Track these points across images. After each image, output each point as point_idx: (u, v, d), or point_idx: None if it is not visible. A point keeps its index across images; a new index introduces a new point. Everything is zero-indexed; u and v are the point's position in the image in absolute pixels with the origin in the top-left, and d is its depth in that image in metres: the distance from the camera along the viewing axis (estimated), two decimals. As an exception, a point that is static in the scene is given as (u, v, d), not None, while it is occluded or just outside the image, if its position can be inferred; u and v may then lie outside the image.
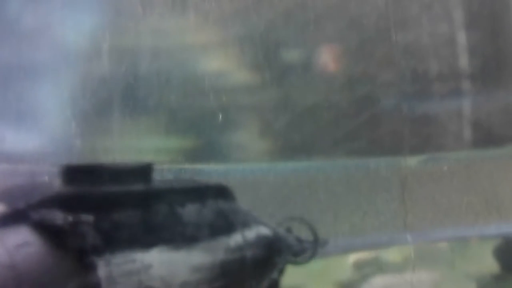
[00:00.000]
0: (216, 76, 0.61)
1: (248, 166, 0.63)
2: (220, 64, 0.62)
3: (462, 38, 0.72)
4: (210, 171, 0.60)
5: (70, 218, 0.37)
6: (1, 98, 0.51)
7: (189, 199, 0.42)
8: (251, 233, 0.44)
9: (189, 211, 0.41)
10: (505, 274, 0.74)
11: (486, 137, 0.75)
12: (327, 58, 0.68)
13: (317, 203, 0.65)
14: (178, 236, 0.39)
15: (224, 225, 0.43)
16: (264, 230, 0.46)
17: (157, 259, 0.38)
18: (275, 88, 0.64)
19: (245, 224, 0.44)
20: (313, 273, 0.67)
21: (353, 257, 0.68)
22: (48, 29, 0.56)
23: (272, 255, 0.46)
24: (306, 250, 0.53)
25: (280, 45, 0.64)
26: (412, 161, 0.69)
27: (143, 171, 0.43)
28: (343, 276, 0.68)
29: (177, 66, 0.60)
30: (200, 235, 0.40)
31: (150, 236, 0.39)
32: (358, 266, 0.68)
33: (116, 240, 0.37)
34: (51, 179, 0.42)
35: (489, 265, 0.74)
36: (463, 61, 0.73)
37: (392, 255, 0.69)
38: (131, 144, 0.58)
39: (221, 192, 0.46)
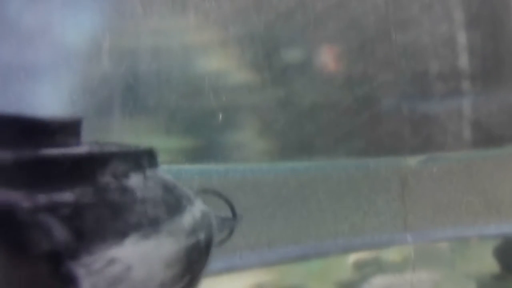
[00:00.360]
0: (216, 76, 0.61)
1: (248, 166, 0.63)
2: (220, 64, 0.62)
3: (462, 38, 0.72)
4: (210, 171, 0.60)
5: (23, 202, 0.23)
6: (1, 98, 0.51)
7: (129, 168, 0.30)
8: (196, 210, 0.33)
9: (136, 183, 0.30)
10: (505, 274, 0.74)
11: (486, 137, 0.75)
12: (327, 58, 0.68)
13: (317, 203, 0.65)
14: (142, 218, 0.28)
15: (173, 200, 0.32)
16: (203, 206, 0.35)
17: (134, 256, 0.27)
18: (275, 88, 0.64)
19: (188, 199, 0.33)
20: (313, 273, 0.67)
21: (353, 257, 0.68)
22: (48, 29, 0.56)
23: (213, 235, 0.35)
24: (225, 227, 0.43)
25: (280, 45, 0.64)
26: (412, 161, 0.69)
27: (73, 128, 0.30)
28: (343, 276, 0.68)
29: (177, 66, 0.60)
30: (160, 215, 0.30)
31: (114, 220, 0.27)
32: (358, 266, 0.68)
33: (83, 230, 0.25)
34: None
35: (489, 265, 0.74)
36: (463, 61, 0.73)
37: (392, 255, 0.69)
38: (131, 144, 0.58)
39: (153, 158, 0.33)
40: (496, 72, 0.76)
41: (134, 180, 0.30)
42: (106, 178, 0.28)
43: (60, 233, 0.24)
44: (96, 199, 0.27)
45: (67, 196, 0.26)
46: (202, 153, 0.61)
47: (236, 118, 0.63)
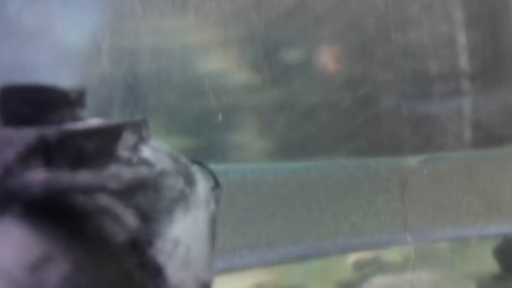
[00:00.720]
0: (216, 76, 0.61)
1: (248, 166, 0.63)
2: (220, 64, 0.62)
3: (462, 38, 0.72)
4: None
5: (78, 184, 0.20)
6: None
7: (137, 140, 0.27)
8: (201, 179, 0.30)
9: (150, 155, 0.26)
10: (505, 274, 0.74)
11: (486, 137, 0.75)
12: (327, 58, 0.68)
13: (317, 203, 0.65)
14: (173, 192, 0.25)
15: (185, 171, 0.28)
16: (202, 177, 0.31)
17: (186, 233, 0.23)
18: (275, 88, 0.64)
19: (192, 168, 0.29)
20: (313, 273, 0.67)
21: (353, 257, 0.68)
22: (48, 29, 0.56)
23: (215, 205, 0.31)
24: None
25: (280, 45, 0.64)
26: (412, 161, 0.69)
27: (83, 99, 0.27)
28: (343, 276, 0.68)
29: (177, 66, 0.60)
30: (183, 188, 0.26)
31: (158, 197, 0.23)
32: (358, 266, 0.68)
33: (143, 211, 0.22)
34: None
35: (489, 265, 0.74)
36: (463, 61, 0.73)
37: (392, 255, 0.69)
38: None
39: (148, 129, 0.29)
40: (496, 72, 0.76)
41: (146, 152, 0.27)
42: (123, 152, 0.25)
43: (130, 218, 0.21)
44: (133, 175, 0.24)
45: (109, 174, 0.22)
46: (202, 153, 0.61)
47: (236, 118, 0.63)
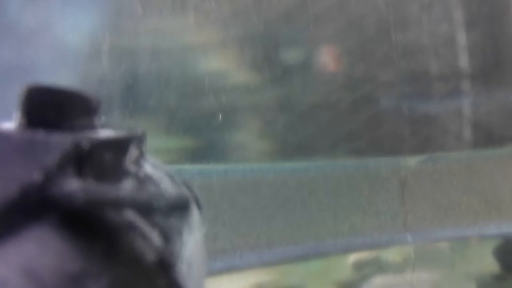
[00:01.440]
0: (216, 76, 0.61)
1: (248, 166, 0.63)
2: (220, 64, 0.62)
3: (462, 38, 0.72)
4: (210, 171, 0.60)
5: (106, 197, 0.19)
6: (1, 98, 0.51)
7: (139, 154, 0.26)
8: (192, 199, 0.28)
9: (151, 172, 0.26)
10: (505, 274, 0.74)
11: (486, 137, 0.75)
12: (327, 58, 0.68)
13: (317, 203, 0.65)
14: (178, 212, 0.25)
15: (182, 190, 0.27)
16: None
17: (193, 255, 0.23)
18: (275, 88, 0.64)
19: (178, 180, 0.28)
20: (313, 273, 0.67)
21: (353, 257, 0.68)
22: (48, 29, 0.56)
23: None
24: None
25: (280, 45, 0.64)
26: (412, 161, 0.69)
27: (98, 106, 0.26)
28: (343, 276, 0.68)
29: (177, 66, 0.61)
30: (185, 208, 0.26)
31: (168, 216, 0.23)
32: (358, 266, 0.68)
33: (162, 230, 0.21)
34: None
35: (489, 265, 0.74)
36: (463, 61, 0.73)
37: (392, 255, 0.69)
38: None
39: (145, 143, 0.28)
40: (496, 72, 0.76)
41: (148, 169, 0.26)
42: (130, 167, 0.24)
43: (155, 237, 0.20)
44: (146, 192, 0.23)
45: (129, 189, 0.22)
46: (202, 153, 0.61)
47: (236, 118, 0.63)
